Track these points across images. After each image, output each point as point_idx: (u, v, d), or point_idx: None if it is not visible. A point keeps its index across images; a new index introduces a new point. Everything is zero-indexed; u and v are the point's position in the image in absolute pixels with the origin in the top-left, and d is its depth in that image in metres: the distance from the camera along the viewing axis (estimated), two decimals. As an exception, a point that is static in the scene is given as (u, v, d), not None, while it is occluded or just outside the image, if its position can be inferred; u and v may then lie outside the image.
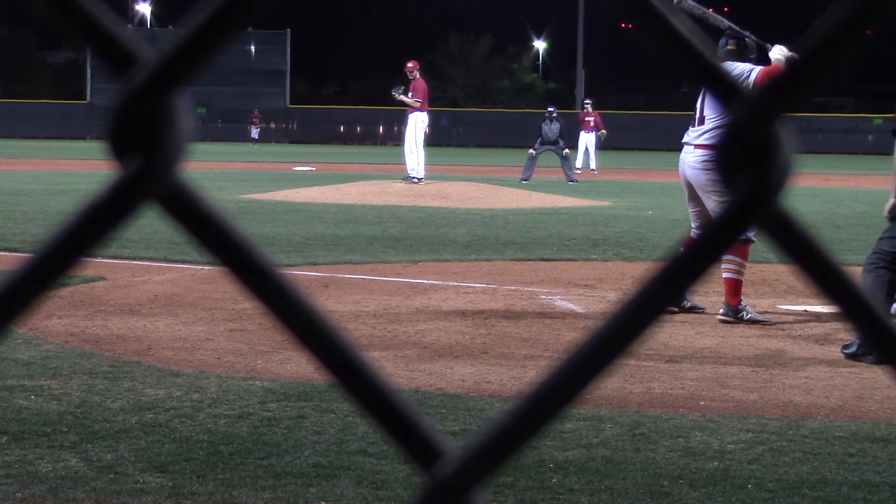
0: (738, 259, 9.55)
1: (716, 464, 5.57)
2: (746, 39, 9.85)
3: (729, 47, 9.83)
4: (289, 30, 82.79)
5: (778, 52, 9.71)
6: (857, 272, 8.61)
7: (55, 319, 8.92)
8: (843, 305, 0.65)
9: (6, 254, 12.74)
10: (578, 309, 10.16)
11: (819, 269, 0.65)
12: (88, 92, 79.25)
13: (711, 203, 9.61)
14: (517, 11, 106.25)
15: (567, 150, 33.64)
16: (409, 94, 25.76)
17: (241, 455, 5.54)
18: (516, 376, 7.43)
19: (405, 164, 26.25)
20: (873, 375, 7.49)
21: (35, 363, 7.41)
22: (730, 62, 9.59)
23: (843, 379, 7.50)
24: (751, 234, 9.46)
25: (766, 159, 0.63)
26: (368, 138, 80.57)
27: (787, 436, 6.09)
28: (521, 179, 31.75)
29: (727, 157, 0.64)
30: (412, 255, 13.88)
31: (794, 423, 6.35)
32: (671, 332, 8.86)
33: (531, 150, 33.25)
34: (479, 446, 0.66)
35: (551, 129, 33.39)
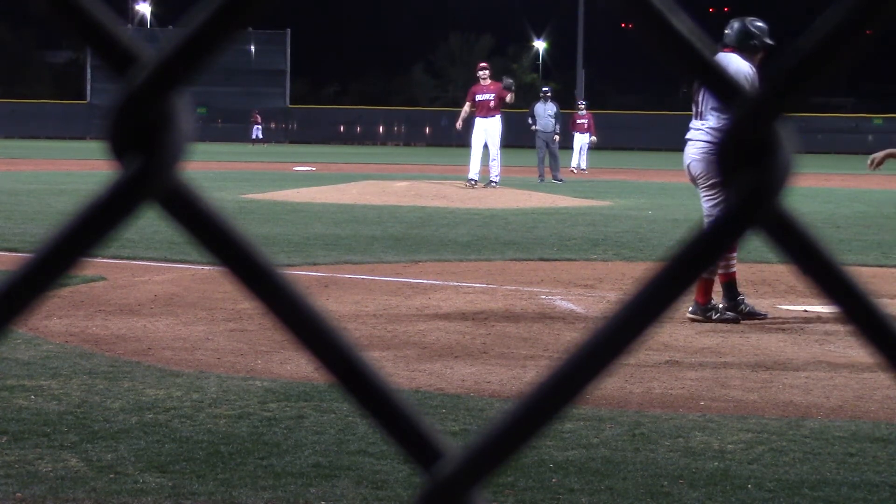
0: None
1: (716, 464, 5.57)
2: None
3: None
4: (289, 30, 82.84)
5: None
6: (857, 272, 8.58)
7: (55, 319, 8.92)
8: (843, 305, 0.65)
9: (6, 254, 12.74)
10: (578, 309, 10.16)
11: (819, 269, 0.65)
12: (88, 92, 79.30)
13: (702, 193, 9.69)
14: (517, 11, 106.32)
15: (558, 137, 33.13)
16: (490, 96, 25.65)
17: (241, 455, 5.53)
18: (516, 376, 7.43)
19: (484, 167, 26.00)
20: (873, 375, 7.49)
21: (35, 363, 7.41)
22: None
23: (843, 379, 7.50)
24: None
25: (766, 159, 0.63)
26: (368, 138, 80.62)
27: (787, 436, 6.09)
28: (540, 180, 31.65)
29: (727, 156, 0.64)
30: (412, 255, 13.88)
31: (794, 423, 6.35)
32: (671, 332, 8.86)
33: (538, 151, 32.95)
34: (479, 446, 0.66)
35: (546, 107, 32.97)
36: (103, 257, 11.56)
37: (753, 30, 9.75)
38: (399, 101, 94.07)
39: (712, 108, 9.64)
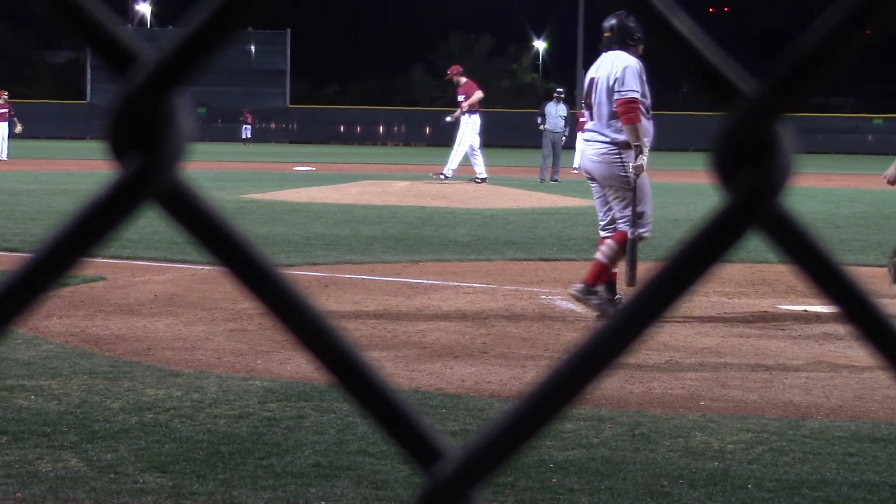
0: (618, 247, 9.63)
1: (716, 464, 5.57)
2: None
3: None
4: (289, 30, 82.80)
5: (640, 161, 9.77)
6: (857, 272, 8.60)
7: (55, 319, 8.92)
8: (843, 305, 0.65)
9: (6, 254, 12.74)
10: (578, 309, 10.16)
11: (819, 269, 0.65)
12: (88, 92, 79.24)
13: (611, 196, 9.70)
14: (517, 11, 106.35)
15: (565, 138, 33.29)
16: (462, 98, 26.20)
17: (241, 455, 5.54)
18: (516, 376, 7.43)
19: (473, 165, 26.84)
20: (873, 375, 7.50)
21: (35, 363, 7.41)
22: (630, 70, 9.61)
23: (843, 379, 7.50)
24: (643, 231, 9.59)
25: (766, 159, 0.63)
26: (368, 138, 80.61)
27: (787, 436, 6.09)
28: (540, 180, 31.71)
29: (726, 157, 0.64)
30: (412, 255, 13.88)
31: (794, 423, 6.35)
32: (671, 332, 8.86)
33: (544, 149, 33.01)
34: (479, 446, 0.66)
35: (557, 108, 33.08)
36: (103, 257, 11.56)
37: (633, 24, 9.78)
38: (399, 101, 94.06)
39: (604, 109, 9.67)
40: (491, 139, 73.35)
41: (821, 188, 29.48)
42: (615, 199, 9.67)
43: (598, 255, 9.65)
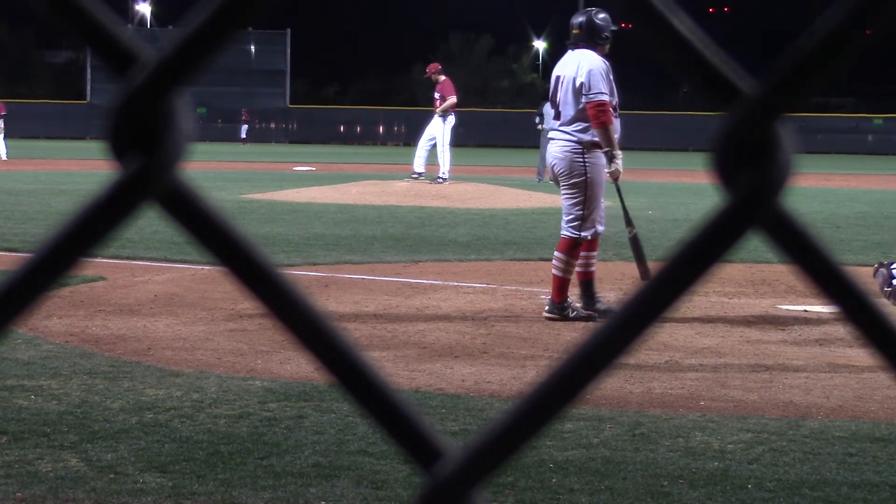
0: (565, 258, 9.61)
1: (716, 464, 5.57)
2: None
3: None
4: (289, 30, 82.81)
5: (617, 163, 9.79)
6: (857, 272, 8.61)
7: (55, 319, 8.92)
8: (843, 305, 0.65)
9: (6, 254, 12.74)
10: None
11: (819, 269, 0.65)
12: (88, 92, 79.23)
13: (562, 192, 9.79)
14: (517, 11, 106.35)
15: None
16: (437, 96, 26.18)
17: (241, 455, 5.54)
18: (516, 376, 7.43)
19: (426, 164, 26.57)
20: (873, 375, 7.49)
21: (35, 363, 7.41)
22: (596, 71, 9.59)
23: (843, 379, 7.50)
24: (584, 234, 9.58)
25: (766, 159, 0.63)
26: (368, 138, 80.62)
27: (787, 436, 6.09)
28: (537, 180, 31.71)
29: (727, 157, 0.64)
30: (412, 255, 13.88)
31: (794, 423, 6.35)
32: (671, 332, 8.86)
33: (542, 149, 33.05)
34: (479, 446, 0.66)
35: None
36: (103, 257, 11.55)
37: (601, 23, 9.76)
38: (399, 101, 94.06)
39: (569, 109, 9.68)
40: (491, 139, 73.58)
41: (821, 188, 29.49)
42: (566, 195, 9.72)
43: (553, 270, 9.67)
